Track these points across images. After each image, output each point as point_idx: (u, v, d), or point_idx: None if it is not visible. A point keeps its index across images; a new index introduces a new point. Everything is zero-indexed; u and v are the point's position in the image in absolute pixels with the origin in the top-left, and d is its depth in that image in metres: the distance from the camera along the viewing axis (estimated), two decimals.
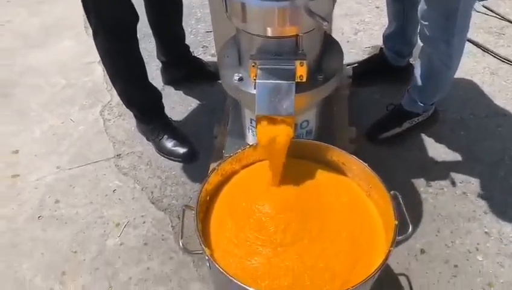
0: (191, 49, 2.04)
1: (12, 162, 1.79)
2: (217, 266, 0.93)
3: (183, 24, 1.92)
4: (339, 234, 1.02)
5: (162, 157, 1.76)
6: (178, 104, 1.98)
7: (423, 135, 1.80)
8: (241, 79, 1.13)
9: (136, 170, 1.73)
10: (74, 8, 2.55)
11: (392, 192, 1.07)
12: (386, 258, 0.95)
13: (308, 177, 1.13)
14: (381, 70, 1.98)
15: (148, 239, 1.50)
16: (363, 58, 2.13)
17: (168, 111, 1.85)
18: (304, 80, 1.06)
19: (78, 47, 2.32)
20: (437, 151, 1.75)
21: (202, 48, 2.28)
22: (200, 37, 2.35)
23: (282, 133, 1.06)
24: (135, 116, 1.78)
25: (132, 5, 1.46)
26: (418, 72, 1.64)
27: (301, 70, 1.04)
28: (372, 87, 1.99)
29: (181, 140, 1.75)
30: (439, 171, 1.68)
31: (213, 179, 1.11)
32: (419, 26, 1.51)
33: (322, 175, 1.14)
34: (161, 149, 1.75)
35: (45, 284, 1.41)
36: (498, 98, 1.94)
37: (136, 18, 1.50)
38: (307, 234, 1.01)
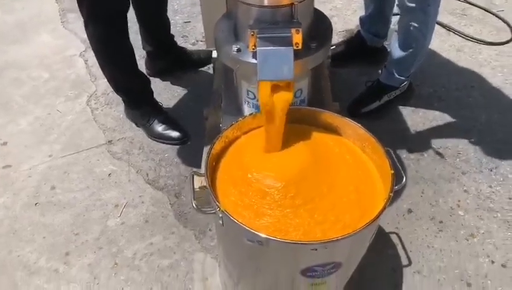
0: None
1: (2, 153, 1.78)
2: (231, 217, 0.98)
3: None
4: (346, 189, 1.09)
5: (154, 142, 1.79)
6: (164, 91, 2.02)
7: (401, 108, 1.92)
8: (239, 50, 1.20)
9: (129, 154, 1.76)
10: (48, 4, 2.56)
11: (385, 148, 1.16)
12: (387, 202, 1.03)
13: (310, 139, 1.20)
14: (358, 52, 2.08)
15: (148, 217, 1.54)
16: (340, 41, 2.24)
17: (155, 97, 1.88)
18: (300, 47, 1.13)
19: (57, 41, 2.32)
20: (415, 121, 1.86)
21: (182, 37, 2.33)
22: (179, 27, 2.39)
23: (283, 98, 1.13)
24: (124, 101, 1.81)
25: None
26: (395, 45, 1.75)
27: (297, 38, 1.12)
28: (350, 67, 2.09)
29: (172, 124, 1.79)
30: (418, 139, 1.80)
31: (218, 145, 1.16)
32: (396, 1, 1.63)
33: (321, 137, 1.21)
34: (152, 133, 1.79)
35: (50, 265, 1.42)
36: (466, 72, 2.08)
37: (127, 6, 1.54)
38: (317, 194, 1.08)
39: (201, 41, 2.30)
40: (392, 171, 1.09)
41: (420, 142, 1.78)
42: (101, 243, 1.48)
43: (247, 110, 1.38)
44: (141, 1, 1.79)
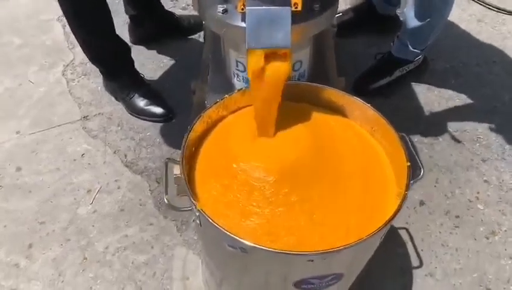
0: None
1: None
2: (209, 219, 0.79)
3: None
4: (352, 184, 0.90)
5: (134, 118, 1.60)
6: (149, 61, 1.81)
7: (414, 85, 1.71)
8: (225, 11, 0.98)
9: (106, 132, 1.57)
10: None
11: (400, 134, 0.96)
12: (402, 202, 0.84)
13: (310, 121, 1.00)
14: (367, 20, 1.86)
15: (124, 205, 1.36)
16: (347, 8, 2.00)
17: (137, 68, 1.68)
18: (299, 8, 0.92)
19: (33, 3, 2.09)
20: (429, 100, 1.66)
21: (171, 1, 2.09)
22: None
23: (278, 71, 0.92)
24: (101, 72, 1.60)
25: None
26: (410, 14, 1.53)
27: None
28: (358, 38, 1.87)
29: (154, 98, 1.59)
30: (432, 120, 1.60)
31: (198, 127, 0.97)
32: None
33: (324, 118, 1.01)
34: (133, 109, 1.59)
35: (9, 258, 1.25)
36: (487, 46, 1.86)
37: None
38: (317, 189, 0.88)
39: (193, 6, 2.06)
40: (408, 163, 0.90)
41: (435, 124, 1.58)
42: (69, 234, 1.30)
43: (237, 84, 1.17)
44: None
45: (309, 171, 0.90)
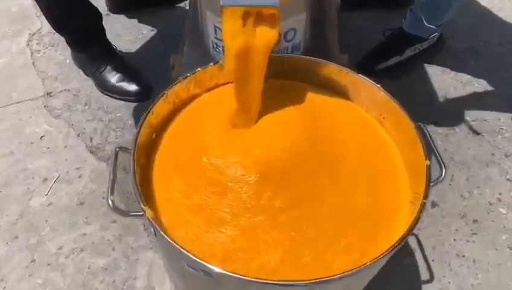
0: None
1: None
2: (162, 233, 0.59)
3: None
4: (355, 185, 0.70)
5: (105, 96, 1.39)
6: (126, 32, 1.60)
7: (427, 66, 1.50)
8: None
9: (70, 111, 1.36)
10: None
11: (416, 123, 0.75)
12: (420, 214, 0.64)
13: (303, 104, 0.79)
14: None
15: (84, 197, 1.16)
16: None
17: (112, 39, 1.47)
18: None
19: None
20: (444, 84, 1.44)
21: None
22: None
23: (263, 38, 0.71)
24: (68, 43, 1.39)
25: None
26: None
27: None
28: (365, 12, 1.65)
29: (128, 73, 1.38)
30: (448, 107, 1.39)
31: (160, 108, 0.76)
32: None
33: (321, 101, 0.81)
34: (103, 85, 1.38)
35: None
36: (510, 24, 1.64)
37: None
38: (311, 192, 0.68)
39: None
40: (428, 162, 0.69)
41: (450, 111, 1.37)
42: (17, 231, 1.10)
43: (216, 57, 0.96)
44: None
45: (300, 169, 0.69)
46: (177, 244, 0.59)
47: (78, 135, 1.30)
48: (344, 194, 0.70)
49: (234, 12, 0.68)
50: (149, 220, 0.62)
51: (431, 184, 0.69)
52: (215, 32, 0.90)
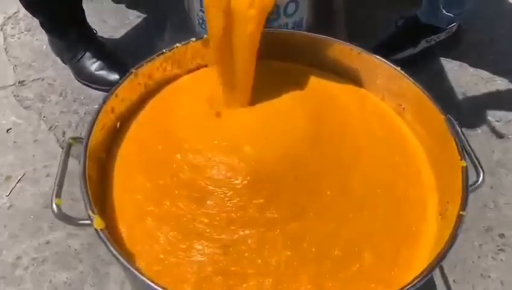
0: None
1: None
2: (114, 251, 0.44)
3: None
4: (370, 191, 0.56)
5: (83, 86, 1.24)
6: (111, 17, 1.44)
7: (443, 60, 1.34)
8: None
9: (43, 102, 1.21)
10: None
11: (446, 115, 0.60)
12: (456, 231, 0.49)
13: (306, 91, 0.64)
14: None
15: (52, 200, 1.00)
16: None
17: (96, 25, 1.32)
18: None
19: None
20: (464, 81, 1.29)
21: None
22: None
23: (255, 3, 0.55)
24: (42, 25, 1.23)
25: None
26: None
27: None
28: (374, 1, 1.50)
29: (110, 61, 1.22)
30: (468, 106, 1.24)
31: (126, 91, 0.61)
32: None
33: (328, 87, 0.66)
34: (81, 73, 1.23)
35: None
36: None
37: None
38: (314, 201, 0.53)
39: None
40: (464, 163, 0.54)
41: (470, 111, 1.22)
42: None
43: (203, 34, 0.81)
44: None
45: (301, 172, 0.54)
46: (133, 267, 0.44)
47: (50, 129, 1.15)
48: (355, 203, 0.55)
49: None
50: (97, 231, 0.47)
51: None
52: (201, 3, 0.75)
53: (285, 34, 0.69)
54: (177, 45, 0.65)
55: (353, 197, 0.54)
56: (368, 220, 0.53)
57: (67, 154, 0.58)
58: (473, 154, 0.59)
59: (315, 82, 0.66)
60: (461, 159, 0.54)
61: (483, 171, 0.58)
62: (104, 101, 0.58)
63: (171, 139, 0.57)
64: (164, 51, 0.64)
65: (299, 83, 0.65)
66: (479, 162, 0.59)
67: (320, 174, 0.54)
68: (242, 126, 0.60)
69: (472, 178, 0.57)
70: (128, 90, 0.61)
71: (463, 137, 0.60)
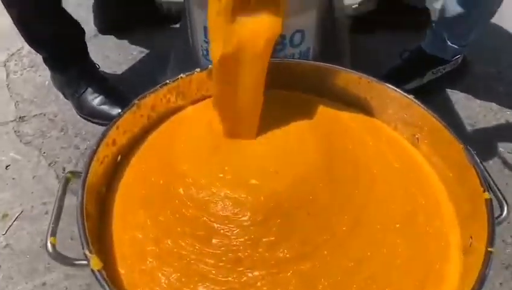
0: None
1: None
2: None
3: None
4: (388, 227, 0.52)
5: (85, 121, 1.22)
6: (114, 53, 1.44)
7: (450, 92, 1.33)
8: None
9: (44, 137, 1.19)
10: None
11: (463, 144, 0.57)
12: (485, 270, 0.45)
13: (317, 122, 0.62)
14: (390, 13, 1.49)
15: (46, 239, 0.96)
16: None
17: (99, 61, 1.32)
18: None
19: None
20: (472, 112, 1.27)
21: None
22: None
23: (263, 29, 0.54)
24: (44, 60, 1.23)
25: None
26: None
27: None
28: (378, 33, 1.50)
29: (112, 96, 1.21)
30: (478, 138, 1.21)
31: (128, 123, 0.58)
32: None
33: (339, 117, 0.63)
34: (83, 108, 1.21)
35: None
36: None
37: None
38: (327, 239, 0.49)
39: None
40: (487, 195, 0.51)
41: (480, 142, 1.19)
42: None
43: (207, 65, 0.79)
44: None
45: (313, 207, 0.51)
46: None
47: (50, 164, 1.12)
48: (373, 239, 0.51)
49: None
50: (93, 273, 0.43)
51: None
52: (205, 34, 0.73)
53: (292, 63, 0.67)
54: (182, 75, 0.63)
55: (370, 233, 0.50)
56: (387, 258, 0.49)
57: (64, 190, 0.55)
58: (495, 186, 0.56)
59: (324, 111, 0.63)
60: (484, 191, 0.51)
61: (507, 203, 0.55)
62: (105, 134, 0.55)
63: (173, 172, 0.54)
64: (168, 81, 0.62)
65: (307, 113, 0.62)
66: (501, 194, 0.55)
67: (335, 209, 0.50)
68: (248, 158, 0.56)
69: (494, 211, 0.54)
70: (131, 122, 0.59)
71: (483, 167, 0.57)
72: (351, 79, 0.65)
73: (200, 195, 0.51)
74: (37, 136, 1.19)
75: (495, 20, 1.40)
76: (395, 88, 0.63)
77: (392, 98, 0.63)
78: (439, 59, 1.26)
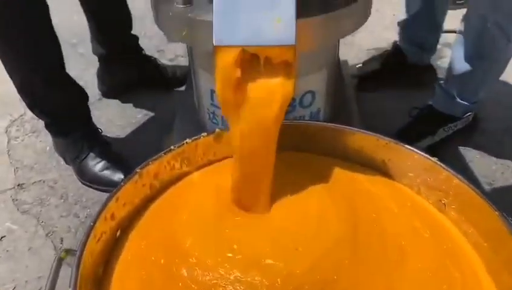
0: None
1: None
2: None
3: (136, 27, 1.45)
4: None
5: (86, 188, 1.17)
6: (118, 116, 1.43)
7: (462, 149, 1.28)
8: (188, 2, 0.59)
9: (42, 205, 1.14)
10: None
11: (499, 211, 0.52)
12: None
13: (335, 188, 0.57)
14: (395, 71, 1.48)
15: None
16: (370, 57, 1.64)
17: (102, 125, 1.29)
18: None
19: None
20: (488, 169, 1.22)
21: (158, 52, 1.76)
22: (156, 40, 1.82)
23: (276, 91, 0.50)
24: (47, 126, 1.20)
25: None
26: (459, 54, 1.15)
27: None
28: (384, 92, 1.48)
29: (114, 161, 1.17)
30: (496, 197, 1.15)
31: (128, 194, 0.53)
32: None
33: (358, 182, 0.58)
34: (84, 174, 1.17)
35: None
36: None
37: None
38: None
39: (182, 56, 1.73)
40: None
41: (500, 202, 1.12)
42: None
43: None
44: None
45: (339, 284, 0.45)
46: None
47: (47, 235, 1.06)
48: None
49: (230, 53, 0.48)
50: None
51: None
52: (211, 97, 0.70)
53: (304, 125, 0.63)
54: (187, 140, 0.59)
55: None
56: None
57: (56, 271, 0.49)
58: None
59: (341, 174, 0.59)
60: None
61: None
62: (103, 207, 0.50)
63: (175, 249, 0.48)
64: (173, 147, 0.58)
65: (323, 176, 0.58)
66: None
67: (363, 286, 0.44)
68: (262, 233, 0.50)
69: None
70: (131, 193, 0.54)
71: None
72: (366, 139, 0.61)
73: (206, 278, 0.45)
74: (35, 204, 1.14)
75: (505, 77, 1.39)
76: (416, 150, 0.59)
77: (413, 160, 0.58)
78: (450, 116, 1.23)
